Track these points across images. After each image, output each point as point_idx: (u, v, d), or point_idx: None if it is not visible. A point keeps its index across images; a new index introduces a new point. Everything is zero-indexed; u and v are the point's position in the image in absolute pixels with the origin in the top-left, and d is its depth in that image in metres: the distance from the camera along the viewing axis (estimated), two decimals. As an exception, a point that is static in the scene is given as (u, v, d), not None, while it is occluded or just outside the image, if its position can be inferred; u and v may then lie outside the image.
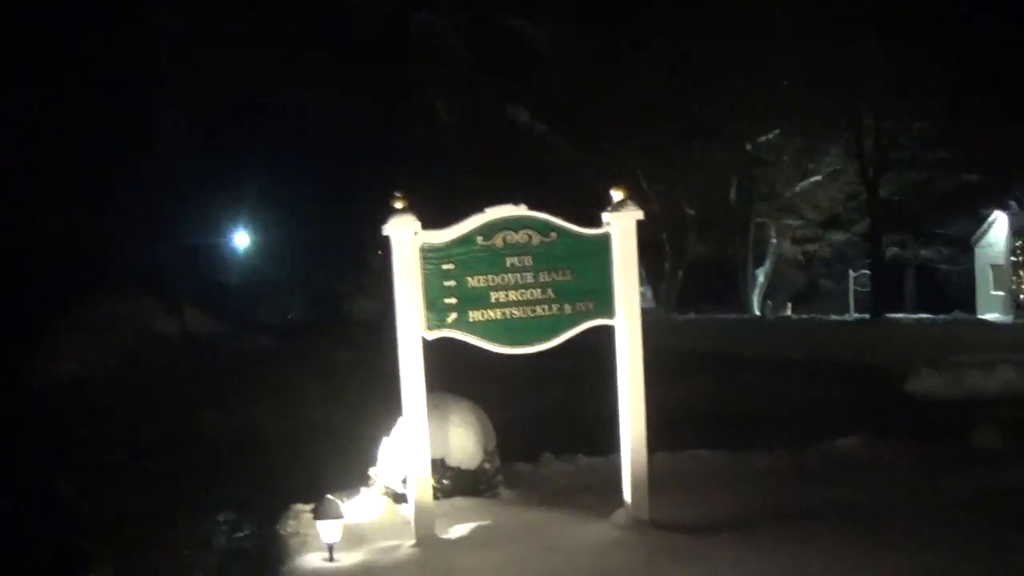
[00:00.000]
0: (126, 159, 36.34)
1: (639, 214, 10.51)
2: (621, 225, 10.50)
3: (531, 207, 10.62)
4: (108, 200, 36.98)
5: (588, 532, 10.29)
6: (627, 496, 10.65)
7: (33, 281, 34.37)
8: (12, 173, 35.48)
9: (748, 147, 49.39)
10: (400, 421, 10.52)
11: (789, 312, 52.81)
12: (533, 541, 10.06)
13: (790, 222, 52.61)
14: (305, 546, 10.57)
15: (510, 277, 10.34)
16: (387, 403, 10.18)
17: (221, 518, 13.68)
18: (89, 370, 28.11)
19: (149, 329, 31.93)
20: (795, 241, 54.33)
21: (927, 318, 45.13)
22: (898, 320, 43.77)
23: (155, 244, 36.29)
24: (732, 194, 50.83)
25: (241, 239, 43.66)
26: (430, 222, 10.40)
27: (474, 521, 10.75)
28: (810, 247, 54.88)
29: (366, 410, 13.91)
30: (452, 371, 13.57)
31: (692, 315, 45.78)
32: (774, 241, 53.47)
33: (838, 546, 9.75)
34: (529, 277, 10.38)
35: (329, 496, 10.38)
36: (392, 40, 28.92)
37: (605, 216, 10.59)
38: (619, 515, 10.60)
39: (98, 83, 33.94)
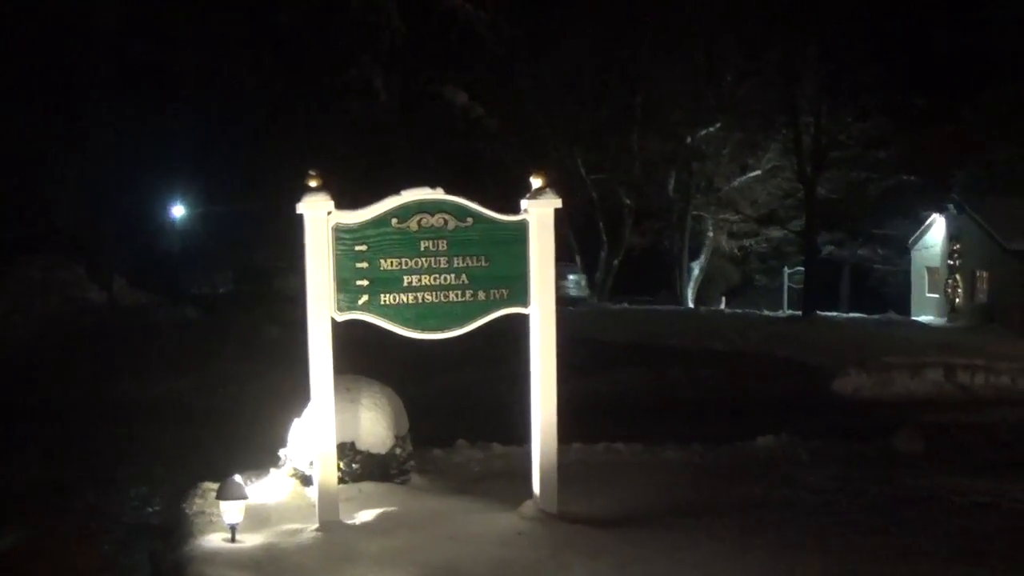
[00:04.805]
0: (63, 127, 35.82)
1: (557, 202, 10.33)
2: (539, 213, 10.32)
3: (463, 192, 10.44)
4: (43, 167, 36.47)
5: (494, 522, 10.15)
6: (536, 488, 10.52)
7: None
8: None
9: (688, 139, 49.49)
10: (311, 402, 10.35)
11: (723, 306, 53.03)
12: (437, 529, 9.91)
13: (727, 216, 52.82)
14: (209, 525, 10.38)
15: (424, 261, 10.12)
16: (308, 383, 9.99)
17: (126, 491, 13.44)
18: (9, 333, 27.75)
19: (75, 296, 31.60)
20: (731, 235, 54.59)
21: (860, 317, 45.39)
22: (831, 318, 43.95)
23: (89, 212, 35.82)
24: (670, 186, 50.92)
25: (177, 211, 43.27)
26: (354, 202, 10.20)
27: (381, 507, 10.58)
28: (746, 242, 55.14)
29: (287, 388, 13.67)
30: (368, 353, 13.42)
31: (625, 305, 45.83)
32: (710, 235, 53.73)
33: (743, 545, 9.69)
34: (443, 262, 10.17)
35: (234, 476, 10.17)
36: (331, 15, 28.74)
37: (523, 203, 10.41)
38: (527, 506, 10.46)
39: (32, 50, 33.43)
